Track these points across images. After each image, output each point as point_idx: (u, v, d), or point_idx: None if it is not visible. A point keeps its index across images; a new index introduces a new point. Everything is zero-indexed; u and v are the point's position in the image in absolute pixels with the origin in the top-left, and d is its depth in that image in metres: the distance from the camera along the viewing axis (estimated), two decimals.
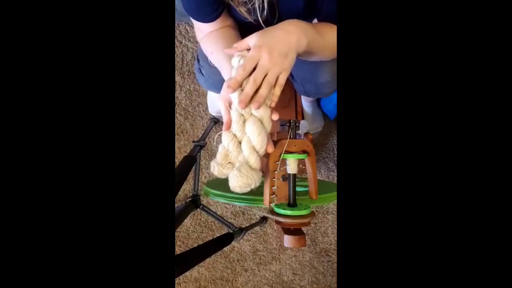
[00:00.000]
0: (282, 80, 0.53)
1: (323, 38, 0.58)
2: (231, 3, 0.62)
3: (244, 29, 0.74)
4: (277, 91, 0.53)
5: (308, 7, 0.66)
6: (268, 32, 0.53)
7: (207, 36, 0.69)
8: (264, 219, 1.11)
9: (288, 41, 0.52)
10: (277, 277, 1.33)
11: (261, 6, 0.62)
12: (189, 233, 1.32)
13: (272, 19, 0.67)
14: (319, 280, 1.34)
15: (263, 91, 0.51)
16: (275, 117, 0.53)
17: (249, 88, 0.51)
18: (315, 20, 0.70)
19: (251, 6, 0.61)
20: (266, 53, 0.51)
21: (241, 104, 0.51)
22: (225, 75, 0.63)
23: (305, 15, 0.69)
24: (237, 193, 0.71)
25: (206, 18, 0.66)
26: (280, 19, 0.69)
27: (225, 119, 0.54)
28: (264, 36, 0.52)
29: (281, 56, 0.51)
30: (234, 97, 0.52)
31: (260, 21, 0.64)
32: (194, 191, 1.11)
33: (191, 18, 0.69)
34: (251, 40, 0.53)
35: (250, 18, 0.64)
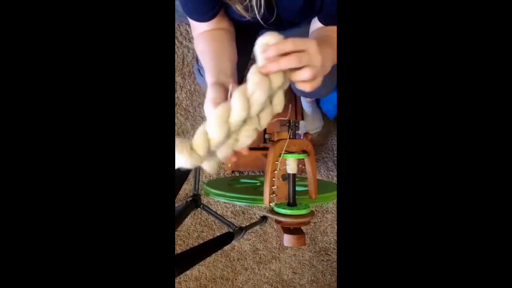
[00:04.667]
0: (315, 84, 0.49)
1: (335, 50, 0.57)
2: (228, 1, 0.62)
3: (241, 30, 0.74)
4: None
5: (307, 5, 0.66)
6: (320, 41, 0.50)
7: (201, 35, 0.69)
8: (264, 218, 1.12)
9: (332, 58, 0.52)
10: (277, 276, 1.34)
11: (258, 3, 0.62)
12: (190, 232, 1.32)
13: (270, 16, 0.67)
14: (319, 279, 1.35)
15: (302, 74, 0.47)
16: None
17: (286, 61, 0.45)
18: (315, 19, 0.70)
19: (248, 3, 0.61)
20: (320, 52, 0.46)
21: (263, 68, 0.44)
22: (208, 77, 0.60)
23: (304, 13, 0.69)
24: (237, 193, 0.72)
25: (202, 17, 0.67)
26: (278, 17, 0.69)
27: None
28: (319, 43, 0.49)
29: (325, 64, 0.49)
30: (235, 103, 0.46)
31: (258, 18, 0.64)
32: (195, 190, 1.11)
33: (187, 17, 0.69)
34: (309, 40, 0.48)
35: (247, 16, 0.63)
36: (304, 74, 0.47)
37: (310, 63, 0.46)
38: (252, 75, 0.45)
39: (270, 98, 0.47)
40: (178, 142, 0.42)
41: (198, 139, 0.43)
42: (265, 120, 0.48)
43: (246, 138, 0.48)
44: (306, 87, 0.49)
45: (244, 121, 0.46)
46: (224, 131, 0.44)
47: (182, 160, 0.42)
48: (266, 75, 0.45)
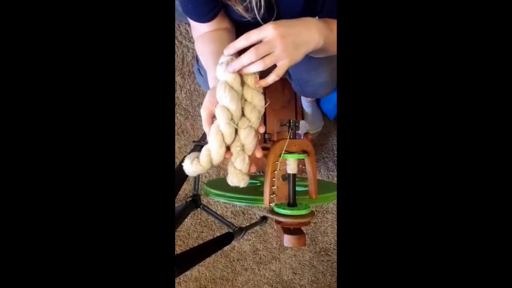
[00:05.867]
0: (282, 68, 0.50)
1: (334, 34, 0.57)
2: (228, 2, 0.62)
3: (242, 30, 0.74)
4: (270, 79, 0.51)
5: (308, 6, 0.66)
6: (286, 21, 0.51)
7: (201, 37, 0.69)
8: (264, 218, 1.12)
9: (305, 36, 0.51)
10: (277, 277, 1.34)
11: (258, 3, 0.62)
12: (190, 232, 1.32)
13: (270, 17, 0.66)
14: (319, 279, 1.35)
15: (253, 67, 0.49)
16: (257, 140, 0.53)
17: (246, 57, 0.48)
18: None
19: (248, 4, 0.61)
20: (278, 34, 0.48)
21: (229, 68, 0.49)
22: (210, 79, 0.62)
23: (305, 14, 0.69)
24: (237, 193, 0.72)
25: (203, 18, 0.66)
26: (279, 18, 0.69)
27: (206, 131, 0.52)
28: (281, 23, 0.49)
29: (293, 44, 0.49)
30: (218, 111, 0.50)
31: (258, 18, 0.64)
32: (195, 190, 1.11)
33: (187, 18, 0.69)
34: (266, 25, 0.49)
35: (247, 16, 0.63)
36: (256, 66, 0.49)
37: (270, 50, 0.48)
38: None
39: (243, 96, 0.52)
40: (189, 155, 0.51)
41: (202, 155, 0.51)
42: (253, 116, 0.52)
43: (247, 139, 0.51)
44: (272, 77, 0.51)
45: (235, 131, 0.51)
46: (219, 139, 0.50)
47: (187, 168, 0.50)
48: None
